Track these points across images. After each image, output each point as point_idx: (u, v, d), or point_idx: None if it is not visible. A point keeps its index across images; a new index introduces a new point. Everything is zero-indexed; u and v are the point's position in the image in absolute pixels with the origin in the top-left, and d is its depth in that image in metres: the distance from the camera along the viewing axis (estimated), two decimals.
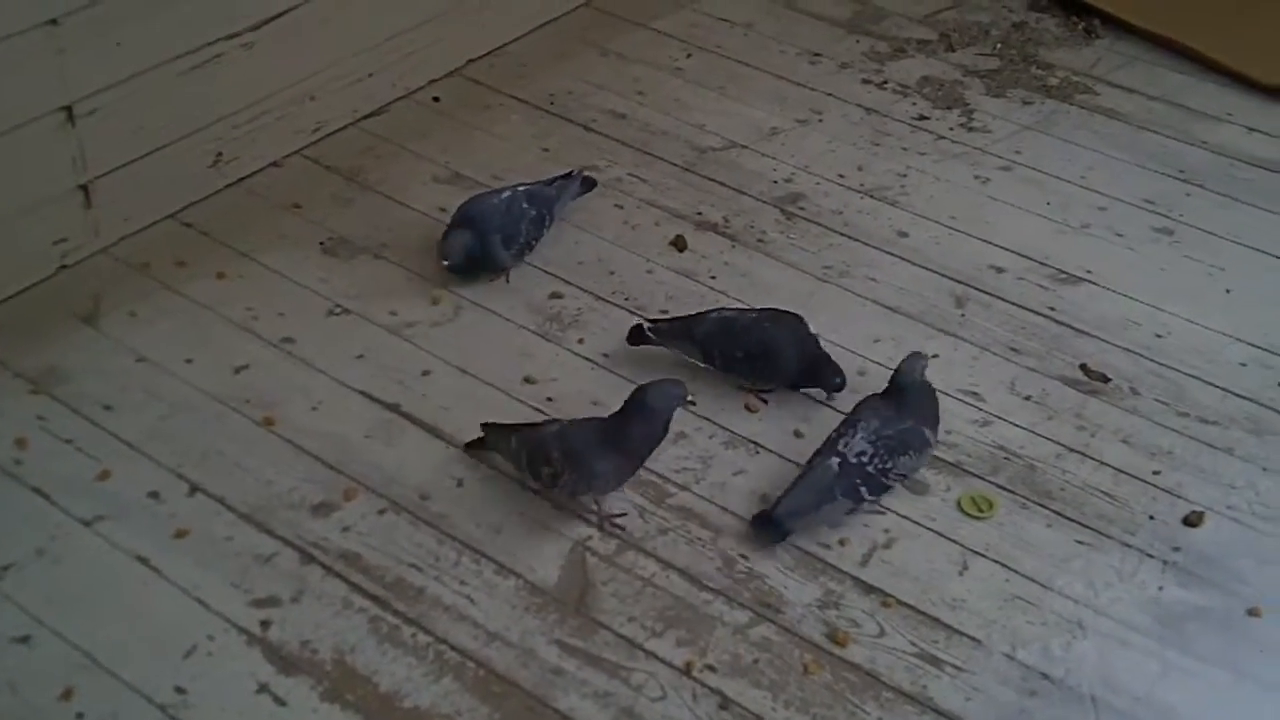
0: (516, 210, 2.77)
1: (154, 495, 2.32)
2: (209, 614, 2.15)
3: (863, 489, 2.28)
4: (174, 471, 2.36)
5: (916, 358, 2.37)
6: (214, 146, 2.94)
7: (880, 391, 2.38)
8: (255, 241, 2.85)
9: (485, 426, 2.39)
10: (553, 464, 2.24)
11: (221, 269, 2.79)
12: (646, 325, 2.59)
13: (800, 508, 2.26)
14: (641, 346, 2.59)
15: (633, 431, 2.24)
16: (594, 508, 2.32)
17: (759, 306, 2.64)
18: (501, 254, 2.74)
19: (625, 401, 2.26)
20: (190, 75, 2.82)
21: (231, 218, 2.93)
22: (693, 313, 2.61)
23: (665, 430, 2.27)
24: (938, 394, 2.39)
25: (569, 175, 2.93)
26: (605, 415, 2.30)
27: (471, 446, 2.42)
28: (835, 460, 2.27)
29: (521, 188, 2.83)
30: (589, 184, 2.98)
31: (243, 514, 2.30)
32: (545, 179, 2.91)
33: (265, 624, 2.13)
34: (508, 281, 2.78)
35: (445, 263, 2.71)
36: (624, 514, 2.32)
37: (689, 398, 2.28)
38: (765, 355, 2.51)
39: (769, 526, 2.27)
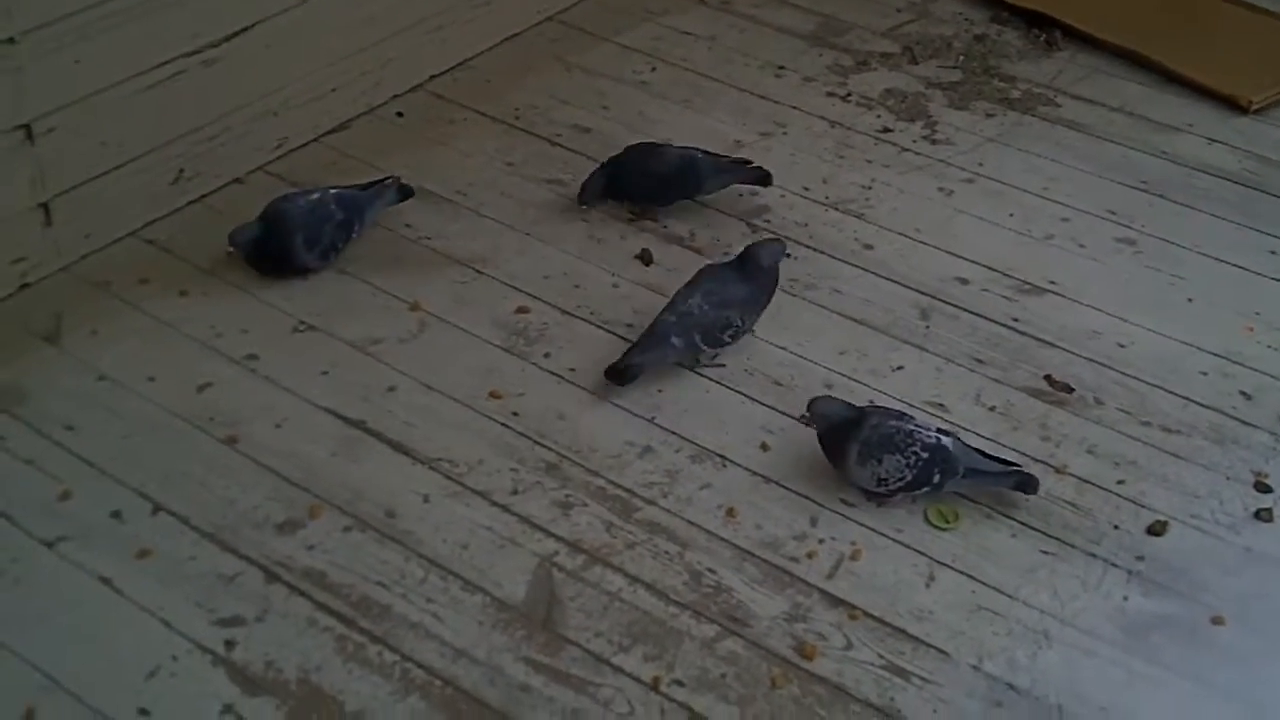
0: (322, 212, 2.79)
1: (116, 515, 2.31)
2: (172, 634, 2.13)
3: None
4: (136, 491, 2.34)
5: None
6: (176, 163, 2.93)
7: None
8: (218, 259, 2.84)
9: (627, 354, 2.59)
10: (733, 325, 2.61)
11: (184, 286, 2.78)
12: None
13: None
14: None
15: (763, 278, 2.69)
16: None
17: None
18: (302, 255, 2.77)
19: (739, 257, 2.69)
20: (151, 92, 2.80)
21: (194, 235, 2.91)
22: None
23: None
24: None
25: (384, 181, 2.94)
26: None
27: (619, 377, 2.57)
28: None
29: (333, 190, 2.85)
30: (405, 192, 2.98)
31: (206, 533, 2.28)
32: (360, 183, 2.92)
33: (229, 644, 2.12)
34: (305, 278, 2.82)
35: (229, 249, 2.76)
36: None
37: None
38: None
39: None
